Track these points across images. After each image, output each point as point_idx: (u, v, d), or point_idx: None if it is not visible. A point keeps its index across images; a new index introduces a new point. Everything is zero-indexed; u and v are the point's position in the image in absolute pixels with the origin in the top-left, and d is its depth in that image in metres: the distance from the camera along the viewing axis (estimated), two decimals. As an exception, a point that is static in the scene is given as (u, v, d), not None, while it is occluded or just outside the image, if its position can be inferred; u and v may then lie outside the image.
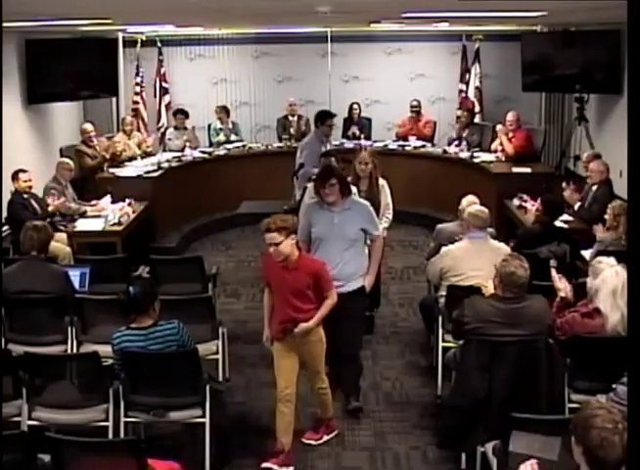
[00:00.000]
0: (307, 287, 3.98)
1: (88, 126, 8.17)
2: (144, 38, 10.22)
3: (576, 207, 6.41)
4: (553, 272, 4.23)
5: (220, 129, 9.51)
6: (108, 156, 8.09)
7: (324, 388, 4.26)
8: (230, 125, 9.62)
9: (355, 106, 9.79)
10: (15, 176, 6.43)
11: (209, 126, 9.69)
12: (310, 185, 5.16)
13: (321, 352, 4.15)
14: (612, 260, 4.00)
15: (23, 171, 6.48)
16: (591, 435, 2.32)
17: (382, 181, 5.61)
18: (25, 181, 6.45)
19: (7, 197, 6.49)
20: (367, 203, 4.67)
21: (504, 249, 4.77)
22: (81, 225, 6.68)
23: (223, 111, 9.61)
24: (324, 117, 7.13)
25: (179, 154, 8.73)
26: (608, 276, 3.93)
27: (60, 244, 6.16)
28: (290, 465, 4.05)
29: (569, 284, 4.25)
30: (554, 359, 3.80)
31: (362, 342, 4.82)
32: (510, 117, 8.22)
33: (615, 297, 3.89)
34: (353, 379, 4.71)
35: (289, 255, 3.90)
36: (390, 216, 5.62)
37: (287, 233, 3.84)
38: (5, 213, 6.55)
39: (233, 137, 9.54)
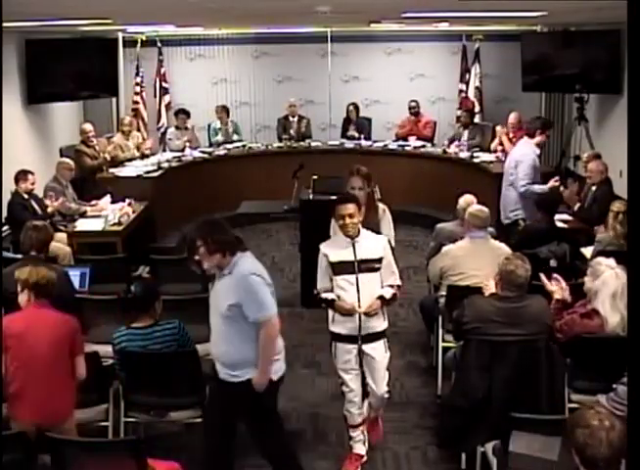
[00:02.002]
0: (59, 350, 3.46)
1: (87, 126, 8.16)
2: (144, 38, 10.22)
3: (576, 207, 6.41)
4: (542, 278, 4.19)
5: (219, 129, 9.51)
6: (109, 157, 8.08)
7: None
8: (230, 125, 9.63)
9: (352, 107, 9.74)
10: (23, 177, 6.40)
11: (209, 126, 9.69)
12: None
13: None
14: (612, 262, 3.99)
15: (32, 173, 6.46)
16: (576, 434, 2.34)
17: (382, 206, 4.72)
18: (33, 183, 6.46)
19: (7, 197, 6.48)
20: (251, 274, 3.34)
21: (505, 249, 4.76)
22: (81, 225, 6.68)
23: (223, 110, 9.61)
24: (545, 127, 6.33)
25: (179, 154, 8.73)
26: (608, 278, 3.91)
27: (60, 244, 6.15)
28: None
29: (565, 283, 4.21)
30: (554, 359, 3.80)
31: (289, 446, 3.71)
32: (512, 118, 8.16)
33: (614, 299, 3.89)
34: None
35: None
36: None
37: (33, 293, 3.69)
38: (5, 213, 6.55)
39: (235, 137, 9.55)
